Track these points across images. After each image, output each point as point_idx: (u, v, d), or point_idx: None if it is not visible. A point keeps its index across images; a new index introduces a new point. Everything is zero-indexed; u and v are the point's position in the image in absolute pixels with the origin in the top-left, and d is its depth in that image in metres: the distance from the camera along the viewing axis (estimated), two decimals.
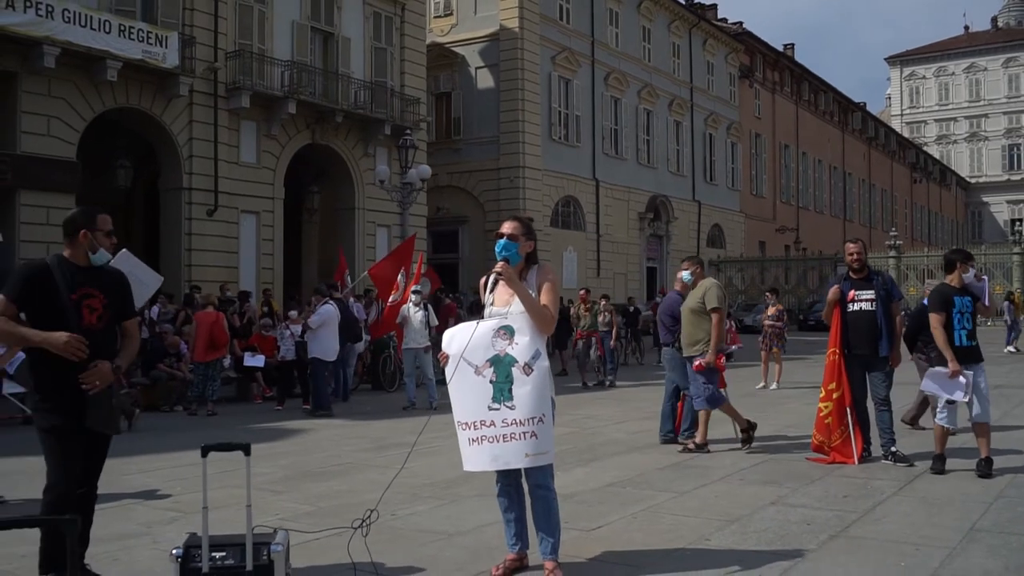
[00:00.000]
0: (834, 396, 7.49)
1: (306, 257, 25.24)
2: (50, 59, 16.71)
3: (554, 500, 4.41)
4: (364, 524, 4.48)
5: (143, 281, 5.75)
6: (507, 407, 4.30)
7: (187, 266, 19.74)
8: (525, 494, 4.52)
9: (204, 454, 3.98)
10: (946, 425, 6.91)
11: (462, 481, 6.75)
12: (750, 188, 47.06)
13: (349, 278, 17.70)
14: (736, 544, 5.07)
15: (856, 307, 7.48)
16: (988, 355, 7.65)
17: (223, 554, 3.85)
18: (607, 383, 16.02)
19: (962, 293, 6.90)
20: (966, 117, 76.94)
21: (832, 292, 7.61)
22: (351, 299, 16.09)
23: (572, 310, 17.83)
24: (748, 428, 8.35)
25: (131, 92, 18.74)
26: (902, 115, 78.85)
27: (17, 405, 10.73)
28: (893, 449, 7.40)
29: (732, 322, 16.62)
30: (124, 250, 5.85)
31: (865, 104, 66.64)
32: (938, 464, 6.93)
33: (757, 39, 47.83)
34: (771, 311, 15.15)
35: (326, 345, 12.46)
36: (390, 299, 14.79)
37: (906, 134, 74.94)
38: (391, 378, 16.13)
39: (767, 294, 16.33)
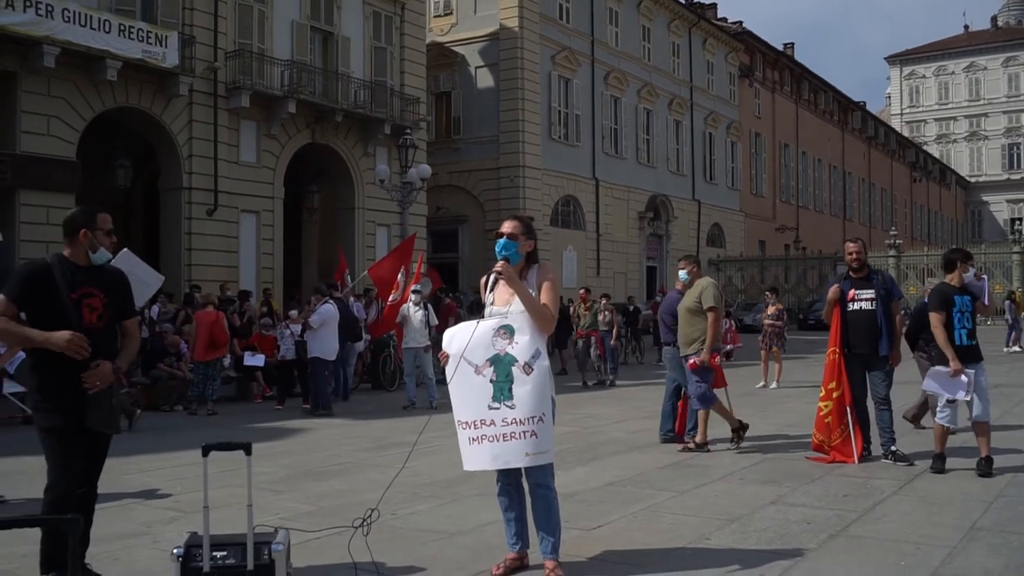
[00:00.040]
0: (834, 395, 7.49)
1: (306, 257, 25.24)
2: (50, 59, 16.71)
3: (554, 499, 4.42)
4: (365, 523, 4.48)
5: (144, 281, 5.76)
6: (507, 406, 4.30)
7: (187, 266, 19.74)
8: (525, 493, 4.53)
9: (205, 453, 3.98)
10: (946, 424, 6.91)
11: (462, 480, 6.75)
12: (750, 187, 47.07)
13: (349, 277, 17.71)
14: (736, 543, 5.08)
15: (856, 306, 7.49)
16: (988, 354, 7.65)
17: (224, 553, 3.85)
18: (607, 382, 16.02)
19: (962, 292, 6.90)
20: (966, 116, 76.94)
21: (832, 291, 7.62)
22: (351, 298, 16.10)
23: (572, 309, 17.83)
24: (739, 428, 8.35)
25: (131, 92, 18.74)
26: (902, 114, 78.85)
27: (17, 405, 10.73)
28: (893, 448, 7.41)
29: (732, 321, 16.62)
30: (125, 249, 5.85)
31: (865, 103, 66.68)
32: (938, 463, 6.93)
33: (757, 38, 47.83)
34: (771, 310, 15.15)
35: (326, 344, 12.46)
36: (390, 299, 14.79)
37: (906, 133, 74.95)
38: (391, 378, 16.14)
39: (767, 293, 16.32)
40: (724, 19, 47.88)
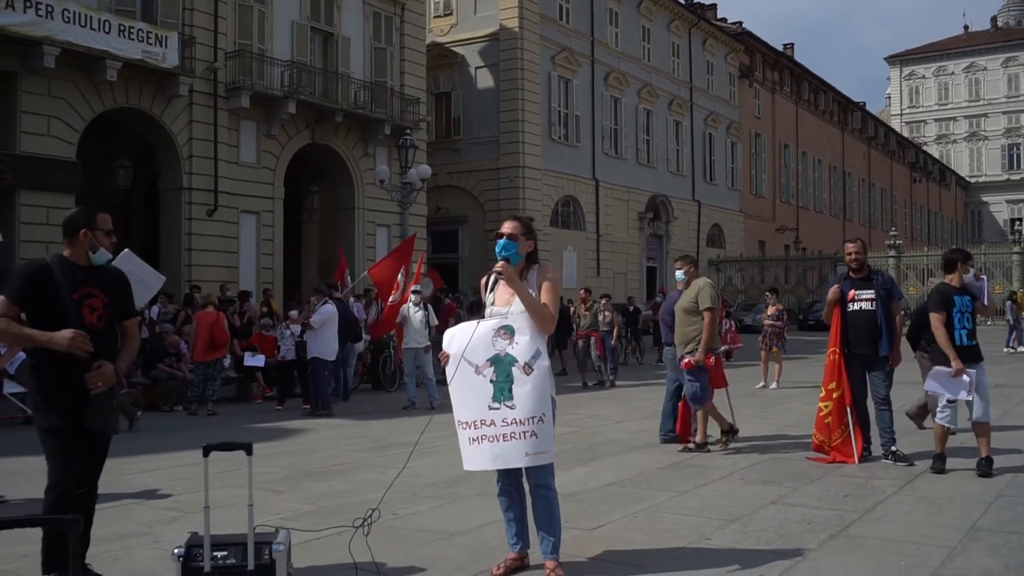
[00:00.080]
0: (834, 396, 7.49)
1: (306, 257, 25.25)
2: (50, 59, 16.71)
3: (555, 499, 4.42)
4: (365, 523, 4.48)
5: (145, 281, 5.76)
6: (507, 406, 4.31)
7: (187, 266, 19.74)
8: (526, 493, 4.53)
9: (206, 453, 3.98)
10: (946, 424, 6.92)
11: (463, 480, 6.75)
12: (750, 188, 47.07)
13: (349, 278, 17.72)
14: (736, 543, 5.08)
15: (856, 307, 7.49)
16: (988, 355, 7.66)
17: (225, 553, 3.85)
18: (607, 382, 16.01)
19: (962, 292, 6.91)
20: (966, 117, 76.95)
21: (832, 292, 7.62)
22: (351, 299, 16.10)
23: (572, 310, 17.83)
24: (728, 431, 8.33)
25: (131, 92, 18.74)
26: (902, 115, 78.86)
27: (17, 405, 10.73)
28: (893, 448, 7.41)
29: (732, 322, 16.63)
30: (126, 250, 5.85)
31: (865, 104, 66.72)
32: (938, 463, 6.94)
33: (757, 39, 47.84)
34: (771, 311, 15.15)
35: (326, 345, 12.47)
36: (390, 299, 14.79)
37: (906, 134, 74.95)
38: (391, 378, 16.14)
39: (767, 294, 16.31)
40: (724, 19, 47.90)
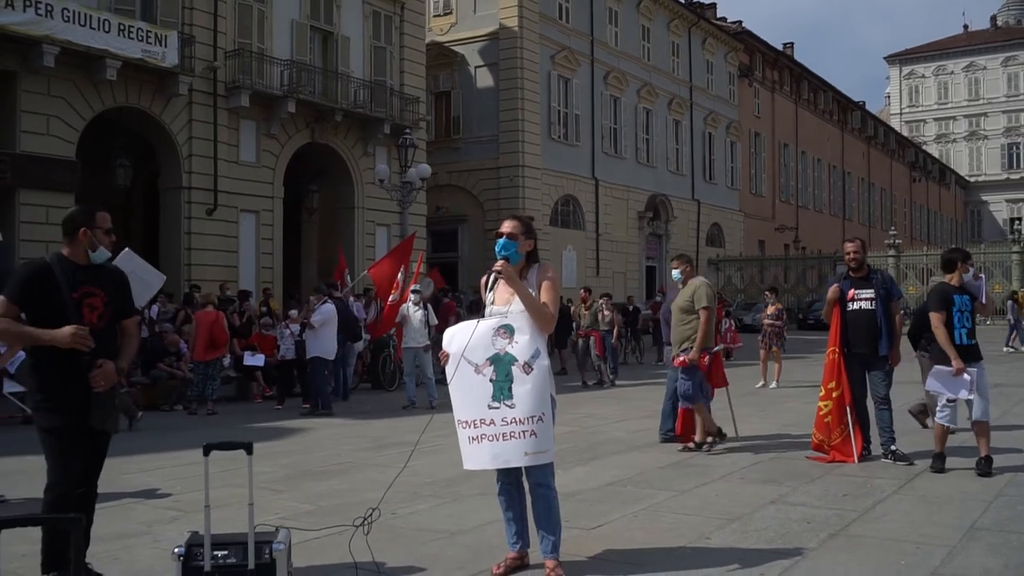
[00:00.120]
0: (834, 395, 7.50)
1: (306, 256, 25.24)
2: (49, 58, 16.70)
3: (555, 499, 4.42)
4: (365, 523, 4.48)
5: (146, 280, 5.75)
6: (507, 406, 4.31)
7: (187, 265, 19.74)
8: (526, 493, 4.53)
9: (206, 453, 3.98)
10: (946, 424, 6.92)
11: (463, 480, 6.76)
12: (749, 187, 47.07)
13: (349, 277, 17.72)
14: (737, 543, 5.08)
15: (856, 306, 7.50)
16: (987, 354, 7.66)
17: (225, 552, 3.85)
18: (607, 382, 16.01)
19: (961, 292, 6.91)
20: (965, 116, 76.95)
21: (832, 291, 7.62)
22: (351, 298, 16.10)
23: (573, 309, 17.82)
24: (714, 435, 8.29)
25: (130, 91, 18.73)
26: (901, 114, 78.87)
27: (17, 405, 10.73)
28: (893, 448, 7.42)
29: (732, 321, 16.62)
30: (127, 249, 5.85)
31: (864, 103, 66.69)
32: (938, 463, 6.94)
33: (756, 38, 47.83)
34: (770, 310, 15.15)
35: (326, 344, 12.47)
36: (390, 299, 14.79)
37: (905, 133, 74.95)
38: (391, 377, 16.14)
39: (766, 293, 16.32)
40: (723, 19, 47.88)
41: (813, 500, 6.13)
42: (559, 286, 4.68)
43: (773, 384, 14.37)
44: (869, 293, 7.47)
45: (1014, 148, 75.54)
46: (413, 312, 13.04)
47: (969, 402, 6.76)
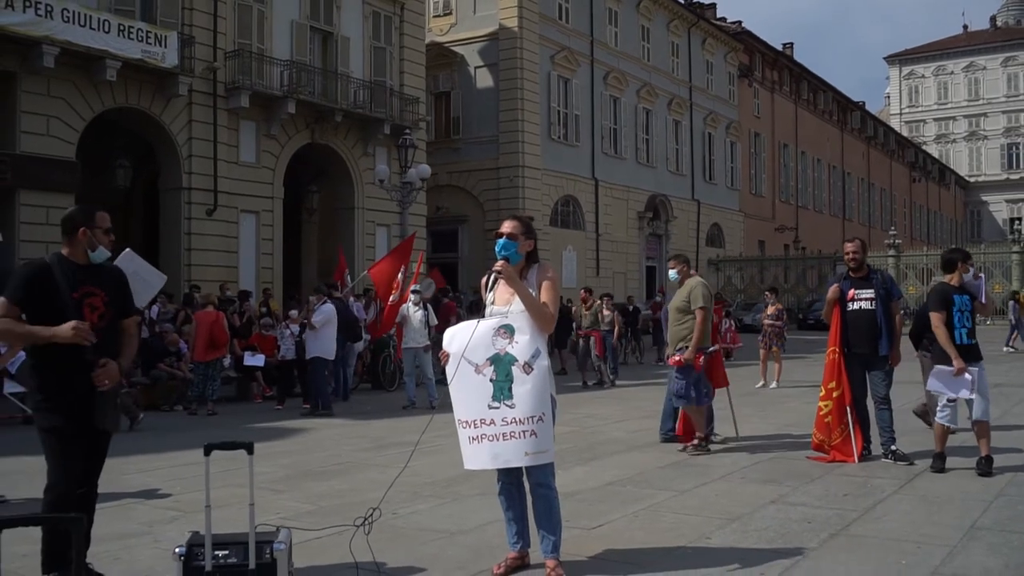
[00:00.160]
0: (834, 395, 7.50)
1: (306, 257, 25.24)
2: (49, 59, 16.70)
3: (555, 498, 4.42)
4: (366, 523, 4.48)
5: (147, 280, 5.75)
6: (507, 406, 4.31)
7: (187, 266, 19.74)
8: (526, 492, 4.53)
9: (207, 453, 3.98)
10: (946, 424, 6.93)
11: (463, 480, 6.76)
12: (749, 187, 47.06)
13: (349, 277, 17.72)
14: (737, 542, 5.08)
15: (856, 306, 7.50)
16: (987, 354, 7.66)
17: (226, 552, 3.85)
18: (607, 382, 16.00)
19: (961, 292, 6.92)
20: (965, 116, 76.95)
21: (832, 291, 7.63)
22: (351, 298, 16.11)
23: (574, 309, 17.83)
24: (704, 439, 8.22)
25: (130, 92, 18.73)
26: (901, 114, 78.86)
27: (17, 405, 10.74)
28: (893, 448, 7.42)
29: (732, 321, 16.62)
30: (128, 249, 5.84)
31: (864, 103, 66.68)
32: (938, 463, 6.94)
33: (756, 38, 47.84)
34: (770, 310, 15.15)
35: (327, 344, 12.48)
36: (390, 299, 14.79)
37: (905, 133, 74.94)
38: (391, 378, 16.14)
39: (766, 293, 16.32)
40: (723, 19, 47.89)
41: (813, 500, 6.13)
42: (559, 286, 4.69)
43: (773, 384, 14.37)
44: (869, 293, 7.47)
45: (1014, 148, 75.54)
46: (413, 312, 13.04)
47: (969, 402, 6.76)
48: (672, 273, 8.51)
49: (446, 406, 4.59)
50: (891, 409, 7.51)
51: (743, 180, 46.07)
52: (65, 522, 3.42)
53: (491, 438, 4.33)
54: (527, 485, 4.49)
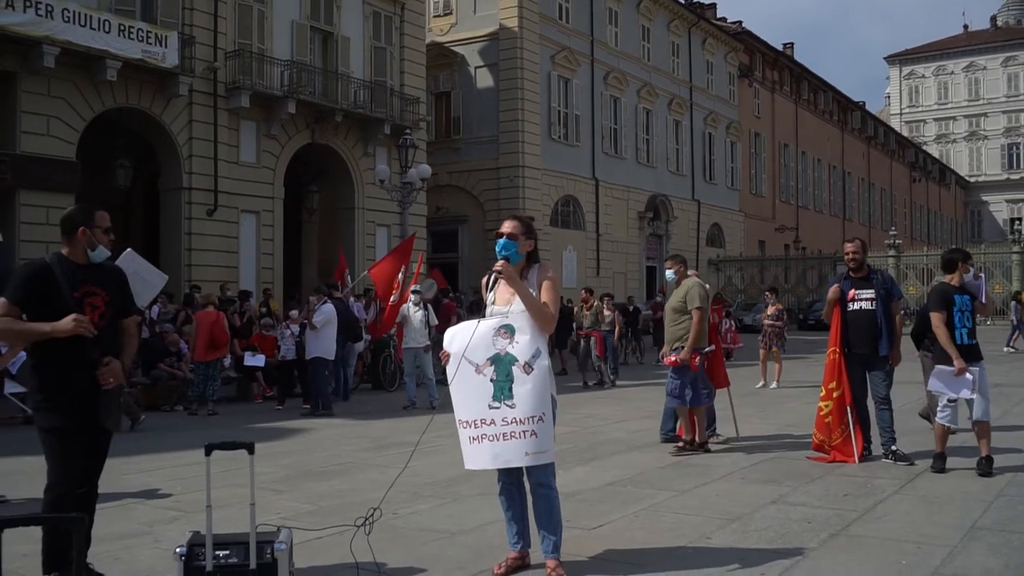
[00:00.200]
0: (834, 395, 7.50)
1: (306, 257, 25.25)
2: (50, 59, 16.70)
3: (556, 499, 4.42)
4: (367, 523, 4.48)
5: (148, 280, 5.75)
6: (507, 406, 4.31)
7: (187, 266, 19.74)
8: (527, 493, 4.53)
9: (208, 453, 3.97)
10: (946, 424, 6.93)
11: (463, 480, 6.76)
12: (749, 187, 47.06)
13: (349, 278, 17.72)
14: (737, 542, 5.08)
15: (856, 306, 7.50)
16: (988, 354, 7.66)
17: (227, 552, 3.85)
18: (608, 383, 16.00)
19: (962, 292, 6.92)
20: (965, 116, 76.95)
21: (832, 291, 7.63)
22: (351, 299, 16.11)
23: (576, 310, 17.83)
24: (690, 443, 8.17)
25: (131, 92, 18.74)
26: (901, 114, 78.86)
27: (18, 405, 10.74)
28: (893, 448, 7.42)
29: (732, 321, 16.62)
30: (129, 249, 5.85)
31: (864, 103, 66.68)
32: (938, 463, 6.95)
33: (756, 38, 47.84)
34: (770, 310, 15.15)
35: (327, 344, 12.48)
36: (391, 299, 14.80)
37: (905, 133, 74.94)
38: (391, 378, 16.15)
39: (766, 293, 16.32)
40: (723, 19, 47.89)
41: (814, 500, 6.13)
42: (559, 286, 4.69)
43: (773, 384, 14.37)
44: (869, 293, 7.48)
45: (1014, 148, 75.54)
46: (413, 312, 13.04)
47: (970, 402, 6.76)
48: (669, 273, 8.50)
49: (446, 406, 4.60)
50: (891, 409, 7.51)
51: (743, 180, 46.07)
52: (66, 522, 3.42)
53: (491, 438, 4.33)
54: (527, 485, 4.49)
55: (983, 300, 7.13)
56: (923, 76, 78.26)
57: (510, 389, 4.32)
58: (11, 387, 10.68)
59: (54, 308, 4.10)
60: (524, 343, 4.35)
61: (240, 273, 20.78)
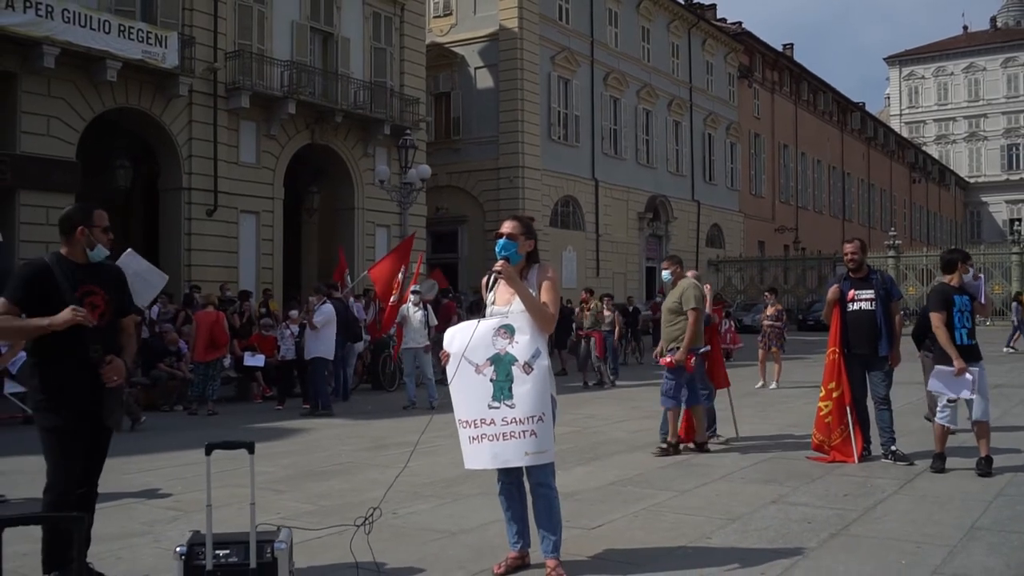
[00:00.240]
0: (834, 395, 7.50)
1: (306, 257, 25.24)
2: (50, 59, 16.70)
3: (555, 498, 4.42)
4: (366, 523, 4.49)
5: (149, 281, 5.75)
6: (507, 406, 4.31)
7: (187, 266, 19.75)
8: (527, 492, 4.53)
9: (208, 452, 3.97)
10: (946, 424, 6.94)
11: (464, 479, 6.77)
12: (749, 188, 47.07)
13: (349, 278, 17.72)
14: (737, 542, 5.09)
15: (856, 307, 7.50)
16: (988, 355, 7.67)
17: (227, 552, 3.85)
18: (608, 383, 16.00)
19: (961, 292, 6.93)
20: (965, 117, 76.97)
21: (832, 292, 7.63)
22: (351, 299, 16.11)
23: (577, 311, 17.83)
24: (675, 445, 8.13)
25: (131, 92, 18.74)
26: (901, 115, 78.88)
27: (17, 405, 10.74)
28: (893, 448, 7.43)
29: (732, 322, 16.63)
30: (130, 249, 5.85)
31: (864, 104, 66.72)
32: (938, 463, 6.95)
33: (756, 39, 47.84)
34: (770, 311, 15.16)
35: (327, 344, 12.49)
36: (391, 300, 14.79)
37: (905, 134, 74.96)
38: (391, 378, 16.15)
39: (766, 294, 16.33)
40: (723, 20, 47.91)
41: (814, 500, 6.14)
42: (559, 286, 4.69)
43: (773, 384, 14.37)
44: (869, 294, 7.48)
45: (1014, 149, 75.56)
46: (413, 313, 13.05)
47: (969, 402, 6.77)
48: (665, 274, 8.50)
49: (446, 406, 4.60)
50: (891, 409, 7.52)
51: (743, 181, 46.08)
52: (66, 521, 3.42)
53: (491, 438, 4.33)
54: (527, 485, 4.50)
55: (982, 301, 7.14)
56: (923, 77, 78.28)
57: (510, 389, 4.33)
58: (11, 387, 10.68)
59: (54, 308, 4.09)
60: (524, 343, 4.36)
61: (240, 273, 20.78)
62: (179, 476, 7.49)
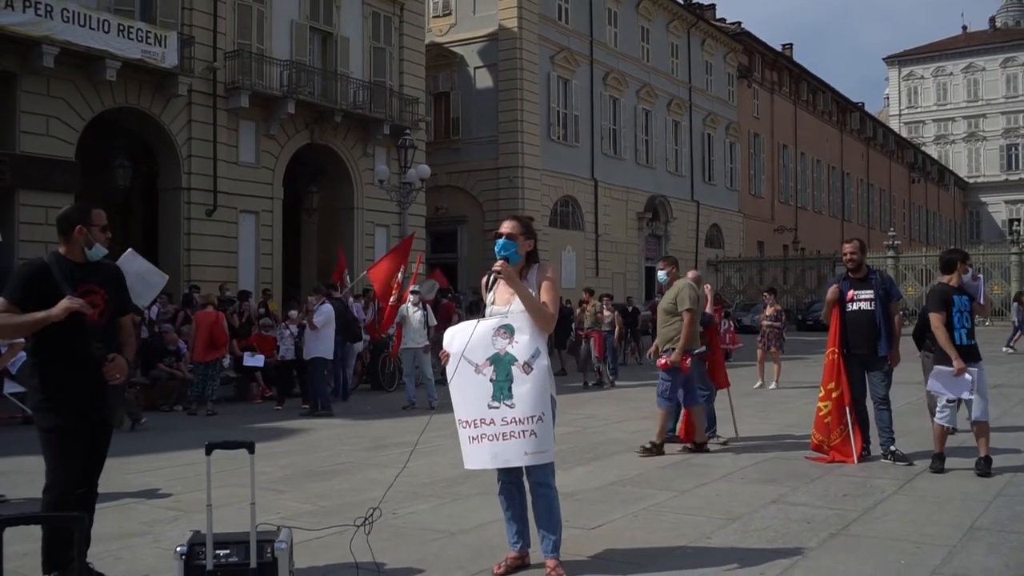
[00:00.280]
0: (833, 395, 7.51)
1: (305, 257, 25.24)
2: (49, 59, 16.70)
3: (555, 498, 4.43)
4: (366, 523, 4.49)
5: (149, 281, 5.76)
6: (507, 405, 4.32)
7: (186, 266, 19.74)
8: (526, 492, 4.54)
9: (208, 452, 3.97)
10: (945, 424, 6.94)
11: (463, 479, 6.77)
12: (748, 188, 47.08)
13: (348, 278, 17.72)
14: (737, 542, 5.09)
15: (855, 307, 7.51)
16: (987, 355, 7.67)
17: (227, 551, 3.85)
18: (607, 383, 16.01)
19: (960, 292, 6.93)
20: (964, 117, 76.99)
21: (831, 292, 7.64)
22: (350, 299, 16.11)
23: (578, 312, 17.83)
24: (659, 446, 8.09)
25: (130, 92, 18.74)
26: (900, 115, 78.90)
27: (17, 405, 10.74)
28: (892, 448, 7.43)
29: (731, 322, 16.62)
30: (130, 249, 5.86)
31: (863, 104, 66.72)
32: (937, 463, 6.95)
33: (755, 39, 47.84)
34: (769, 311, 15.16)
35: (327, 344, 12.49)
36: (391, 300, 14.79)
37: (904, 134, 74.97)
38: (390, 378, 16.15)
39: (765, 294, 16.33)
40: (723, 19, 47.90)
41: (813, 500, 6.14)
42: (559, 286, 4.69)
43: (772, 385, 14.38)
44: (868, 294, 7.48)
45: (1013, 149, 75.58)
46: (412, 313, 13.05)
47: (969, 402, 6.77)
48: (661, 275, 8.50)
49: (446, 406, 4.60)
50: (890, 410, 7.52)
51: (742, 181, 46.09)
52: (67, 521, 3.42)
53: (491, 438, 4.34)
54: (527, 485, 4.50)
55: (981, 301, 7.15)
56: (922, 77, 78.30)
57: (509, 389, 4.33)
58: (11, 387, 10.68)
59: (53, 307, 4.09)
60: (523, 343, 4.36)
61: (239, 273, 20.78)
62: (179, 476, 7.49)
